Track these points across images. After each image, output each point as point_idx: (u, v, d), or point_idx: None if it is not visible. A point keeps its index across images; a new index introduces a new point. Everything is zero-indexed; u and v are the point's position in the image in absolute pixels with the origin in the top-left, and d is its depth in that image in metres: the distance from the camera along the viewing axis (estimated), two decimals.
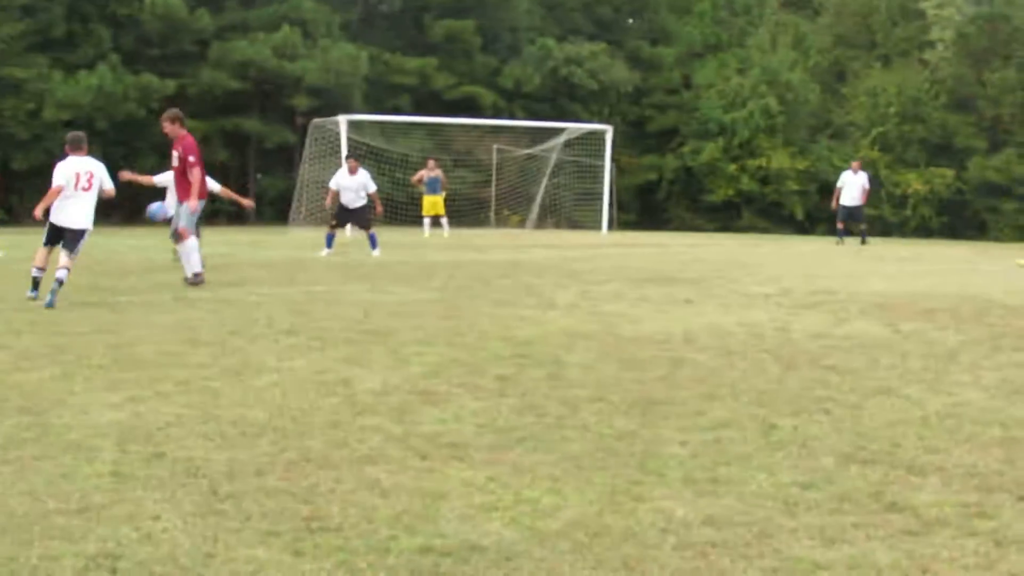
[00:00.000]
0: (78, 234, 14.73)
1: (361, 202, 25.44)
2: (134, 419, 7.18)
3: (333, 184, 25.87)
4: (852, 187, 33.42)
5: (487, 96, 53.56)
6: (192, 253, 16.67)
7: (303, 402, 7.83)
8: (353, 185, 25.42)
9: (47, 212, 14.63)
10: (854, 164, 34.97)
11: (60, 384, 8.31)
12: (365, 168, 26.64)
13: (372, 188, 25.65)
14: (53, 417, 7.19)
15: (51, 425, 6.97)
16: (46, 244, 14.87)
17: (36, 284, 14.45)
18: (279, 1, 51.38)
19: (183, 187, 17.02)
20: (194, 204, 16.77)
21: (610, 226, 42.03)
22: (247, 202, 24.36)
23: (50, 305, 13.30)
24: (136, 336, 10.76)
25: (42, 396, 7.84)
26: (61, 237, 14.71)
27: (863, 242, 33.28)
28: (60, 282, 13.82)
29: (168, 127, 17.21)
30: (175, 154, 17.05)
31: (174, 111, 17.57)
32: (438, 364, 9.45)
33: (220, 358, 9.57)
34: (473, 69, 54.71)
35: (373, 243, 25.07)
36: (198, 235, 17.39)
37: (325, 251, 24.72)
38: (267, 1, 51.56)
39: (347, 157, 26.85)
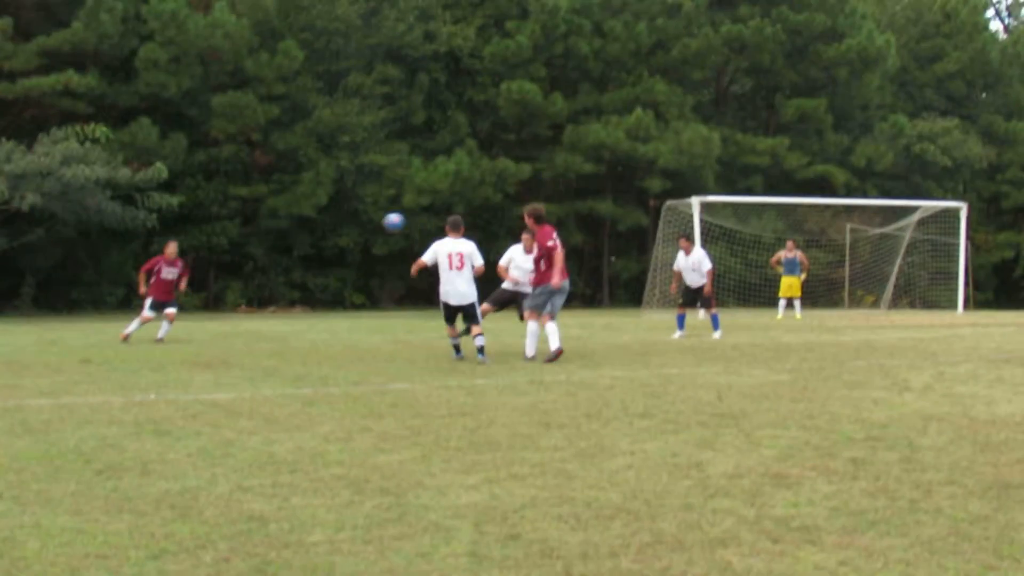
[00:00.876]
0: (469, 307, 17.68)
1: (702, 281, 25.44)
2: (490, 500, 7.27)
3: (676, 265, 26.04)
4: None
5: (839, 175, 52.90)
6: (547, 335, 17.55)
7: (656, 484, 7.79)
8: (690, 265, 25.49)
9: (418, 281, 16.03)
10: None
11: (419, 466, 8.50)
12: (716, 248, 26.70)
13: (707, 266, 25.55)
14: (412, 498, 7.35)
15: (410, 505, 7.12)
16: (448, 322, 18.07)
17: (457, 348, 18.09)
18: (631, 84, 51.99)
19: (542, 272, 17.59)
20: (556, 281, 17.47)
21: (965, 305, 40.75)
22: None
23: (482, 362, 17.01)
24: (491, 418, 10.95)
25: (402, 477, 8.04)
26: (456, 313, 17.82)
27: None
28: (481, 347, 17.19)
29: (530, 222, 18.26)
30: (533, 243, 18.38)
31: (535, 208, 18.42)
32: (790, 447, 9.27)
33: (574, 440, 9.62)
34: (825, 148, 54.17)
35: (715, 324, 24.99)
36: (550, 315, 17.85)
37: (678, 333, 24.79)
38: (619, 84, 52.23)
39: (679, 238, 27.02)
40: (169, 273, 24.21)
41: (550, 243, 17.50)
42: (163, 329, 23.98)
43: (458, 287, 17.54)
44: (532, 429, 10.27)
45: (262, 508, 7.05)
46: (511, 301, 20.75)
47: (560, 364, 17.13)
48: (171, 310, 24.00)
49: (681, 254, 25.83)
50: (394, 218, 19.78)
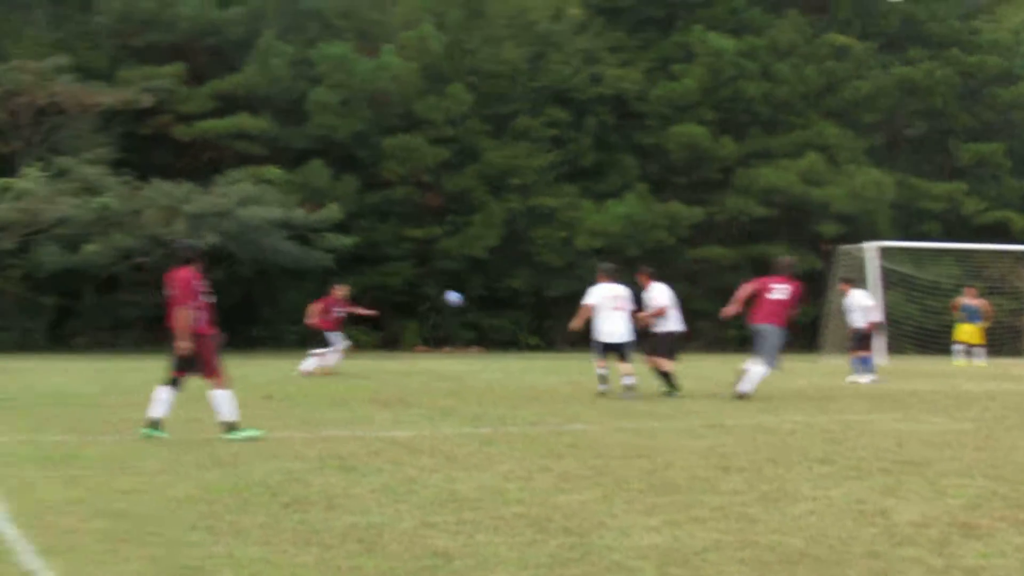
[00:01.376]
0: (623, 345, 19.26)
1: (862, 323, 25.88)
2: (672, 543, 7.27)
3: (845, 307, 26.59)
4: None
5: (1019, 221, 51.63)
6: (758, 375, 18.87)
7: (840, 531, 7.71)
8: (851, 307, 26.15)
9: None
10: None
11: (600, 506, 8.54)
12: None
13: (867, 303, 26.39)
14: (595, 538, 7.38)
15: (593, 545, 7.15)
16: (600, 355, 19.51)
17: (603, 379, 19.30)
18: (801, 127, 51.50)
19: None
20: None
21: None
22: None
23: (629, 397, 18.36)
24: (668, 461, 10.95)
25: (583, 517, 8.08)
26: (610, 350, 19.34)
27: None
28: (629, 386, 18.68)
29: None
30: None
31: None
32: (977, 496, 9.09)
33: (755, 484, 9.57)
34: (1003, 193, 52.93)
35: (862, 368, 25.36)
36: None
37: (866, 378, 24.56)
38: (789, 128, 51.76)
39: (840, 280, 27.31)
40: (340, 312, 26.55)
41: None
42: (311, 363, 25.02)
43: (619, 327, 19.30)
44: (711, 472, 10.25)
45: (446, 544, 7.15)
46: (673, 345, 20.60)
47: (737, 408, 17.15)
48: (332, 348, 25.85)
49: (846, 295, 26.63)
50: (454, 298, 20.47)
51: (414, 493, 9.03)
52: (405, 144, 45.78)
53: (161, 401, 12.65)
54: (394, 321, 47.51)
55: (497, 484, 9.49)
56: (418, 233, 46.89)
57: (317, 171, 44.97)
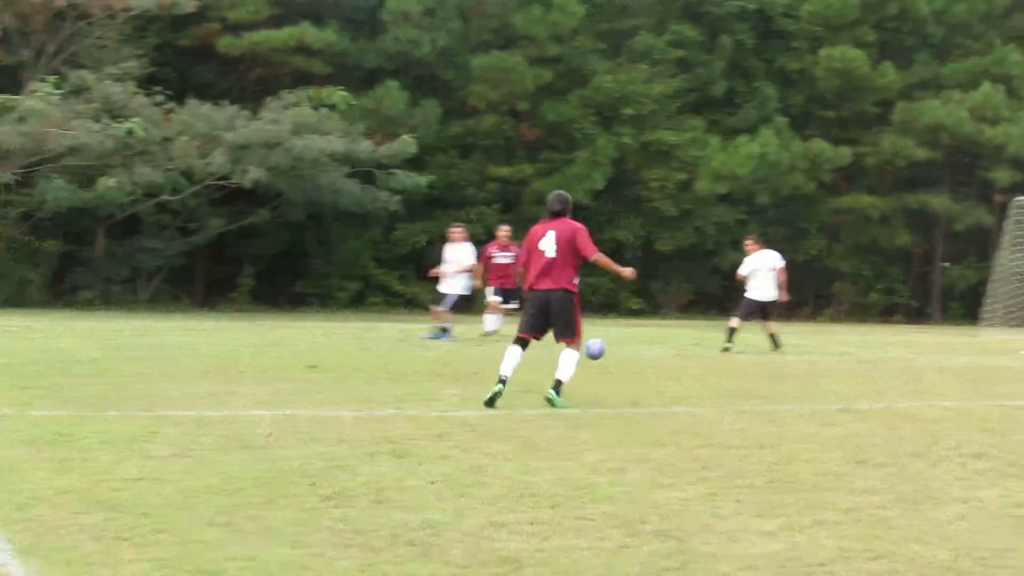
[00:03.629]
0: (773, 303, 25.38)
1: None
2: (791, 551, 7.24)
3: None
4: None
5: None
6: None
7: (995, 541, 7.64)
8: None
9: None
10: None
11: (705, 505, 8.52)
12: None
13: None
14: (698, 544, 7.36)
15: (695, 553, 7.12)
16: (747, 318, 25.18)
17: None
18: (979, 54, 50.64)
19: None
20: None
21: None
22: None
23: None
24: (793, 452, 10.93)
25: (684, 519, 8.06)
26: (764, 310, 25.40)
27: None
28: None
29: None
30: None
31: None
32: None
33: (894, 483, 9.52)
34: None
35: None
36: None
37: None
38: (965, 53, 50.98)
39: None
40: (503, 258, 26.83)
41: None
42: (494, 322, 26.44)
43: (774, 290, 25.15)
44: (843, 467, 10.21)
45: (517, 549, 7.14)
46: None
47: (879, 390, 17.00)
48: (507, 305, 26.58)
49: None
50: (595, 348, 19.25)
51: (482, 486, 9.03)
52: (499, 63, 45.75)
53: None
54: None
55: (583, 477, 9.50)
56: (506, 172, 46.85)
57: (392, 95, 44.87)
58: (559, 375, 14.30)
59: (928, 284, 52.47)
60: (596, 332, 21.29)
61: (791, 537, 7.60)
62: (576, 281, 14.71)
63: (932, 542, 7.56)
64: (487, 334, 26.15)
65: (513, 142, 48.15)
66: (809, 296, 49.11)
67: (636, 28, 48.75)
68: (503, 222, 29.49)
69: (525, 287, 15.22)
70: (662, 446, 11.13)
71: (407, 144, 41.83)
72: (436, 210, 45.45)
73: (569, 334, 14.52)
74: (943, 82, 50.28)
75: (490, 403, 13.74)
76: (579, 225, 14.75)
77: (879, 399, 15.84)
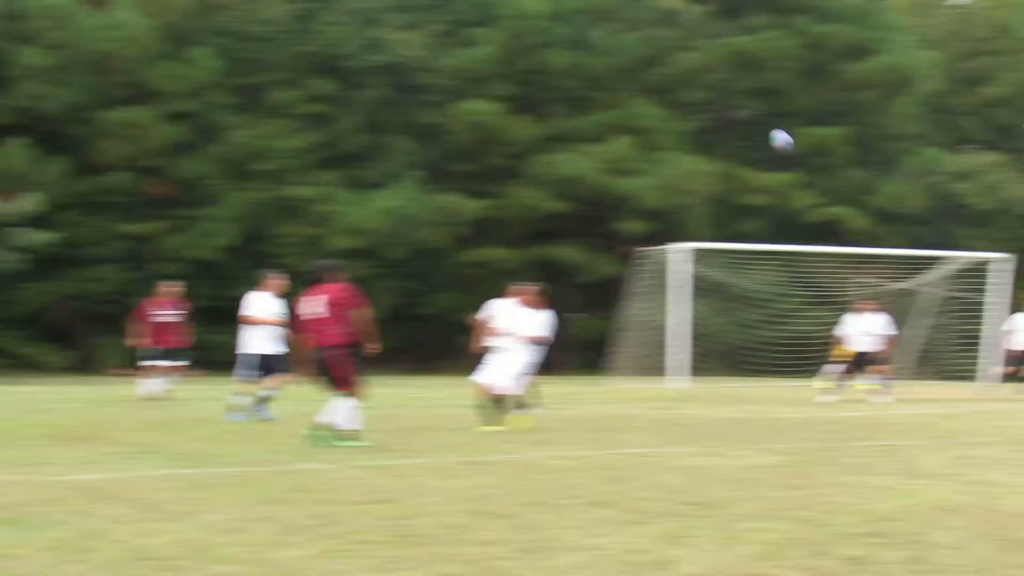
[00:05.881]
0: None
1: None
2: None
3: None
4: None
5: (853, 219, 52.82)
6: None
7: None
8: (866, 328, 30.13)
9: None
10: None
11: (326, 562, 8.50)
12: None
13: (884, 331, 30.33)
14: None
15: None
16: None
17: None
18: (615, 107, 51.60)
19: None
20: None
21: (1002, 377, 40.92)
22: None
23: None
24: (416, 506, 11.01)
25: None
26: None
27: None
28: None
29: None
30: None
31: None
32: (776, 542, 9.33)
33: (517, 533, 9.66)
34: (842, 186, 54.08)
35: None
36: None
37: (828, 397, 28.56)
38: (601, 107, 51.80)
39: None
40: (165, 317, 26.30)
41: None
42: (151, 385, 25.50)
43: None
44: (466, 519, 10.31)
45: None
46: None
47: (505, 441, 17.31)
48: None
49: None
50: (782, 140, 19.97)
51: (96, 551, 8.83)
52: (129, 119, 45.12)
53: None
54: (92, 337, 46.44)
55: (202, 537, 9.39)
56: (136, 229, 46.12)
57: (15, 152, 43.80)
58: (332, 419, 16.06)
59: (559, 335, 53.04)
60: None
61: None
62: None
63: None
64: (147, 397, 25.55)
65: (143, 199, 47.44)
66: (441, 350, 49.29)
67: (271, 83, 48.62)
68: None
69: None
70: (283, 504, 11.09)
71: (32, 201, 40.95)
72: (62, 269, 44.49)
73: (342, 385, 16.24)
74: (577, 135, 51.14)
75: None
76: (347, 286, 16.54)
77: (504, 451, 16.06)
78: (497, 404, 19.97)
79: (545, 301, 21.18)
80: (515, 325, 20.37)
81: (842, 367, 32.44)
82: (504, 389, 19.97)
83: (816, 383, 33.62)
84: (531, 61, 50.80)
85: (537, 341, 20.52)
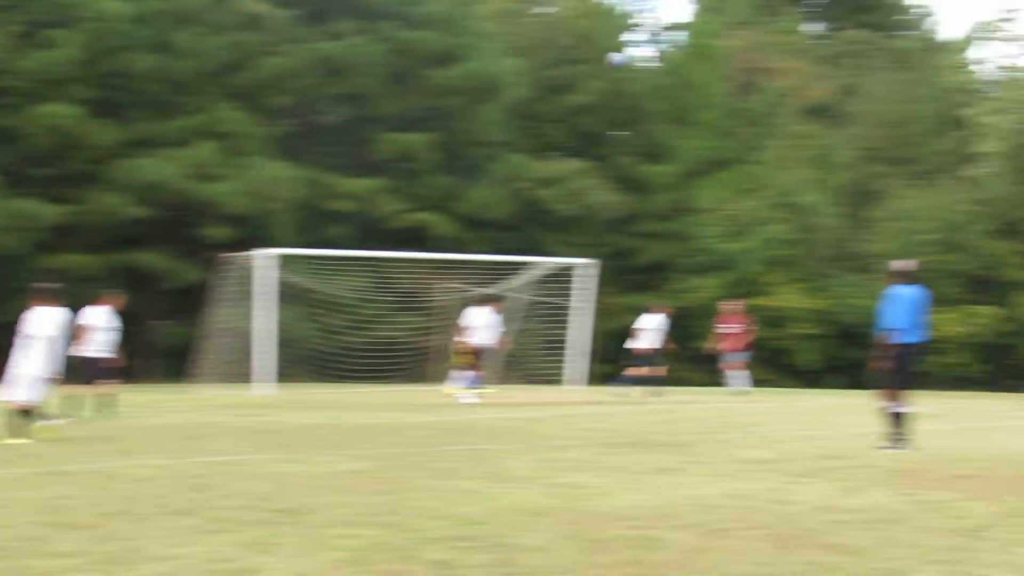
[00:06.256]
0: None
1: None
2: None
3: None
4: None
5: (438, 224, 53.46)
6: None
7: None
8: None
9: None
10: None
11: None
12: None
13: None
14: None
15: None
16: None
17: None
18: (198, 111, 51.03)
19: None
20: None
21: (587, 380, 41.95)
22: None
23: None
24: None
25: None
26: None
27: None
28: None
29: None
30: None
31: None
32: (363, 548, 9.48)
33: (97, 544, 9.56)
34: (428, 192, 54.62)
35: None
36: None
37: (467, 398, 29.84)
38: (183, 112, 51.26)
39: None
40: None
41: None
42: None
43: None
44: (42, 531, 10.14)
45: None
46: None
47: (86, 451, 17.05)
48: None
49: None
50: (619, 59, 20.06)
51: None
52: None
53: None
54: None
55: None
56: None
57: None
58: None
59: (141, 343, 52.37)
60: None
61: None
62: None
63: None
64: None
65: None
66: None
67: None
68: None
69: None
70: None
71: None
72: None
73: None
74: (161, 140, 50.37)
75: None
76: None
77: (83, 460, 15.78)
78: (24, 416, 19.31)
79: (59, 300, 20.28)
80: (34, 328, 19.77)
81: (468, 367, 33.08)
82: (27, 400, 19.35)
83: (447, 388, 34.07)
84: (113, 64, 49.80)
85: (53, 344, 19.65)
